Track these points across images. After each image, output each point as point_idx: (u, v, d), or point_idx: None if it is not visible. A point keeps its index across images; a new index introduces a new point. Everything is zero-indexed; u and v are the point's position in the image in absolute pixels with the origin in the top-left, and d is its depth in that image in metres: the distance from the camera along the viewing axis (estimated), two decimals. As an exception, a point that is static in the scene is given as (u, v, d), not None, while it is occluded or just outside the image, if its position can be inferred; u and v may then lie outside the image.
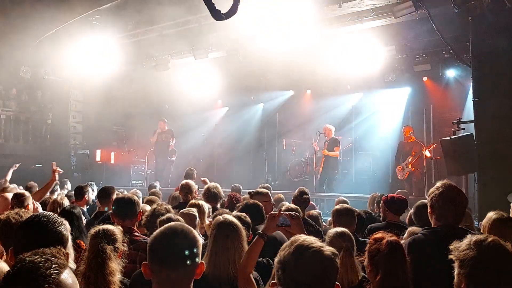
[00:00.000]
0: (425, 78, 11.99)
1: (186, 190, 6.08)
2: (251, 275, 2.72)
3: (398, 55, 10.90)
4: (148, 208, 4.41)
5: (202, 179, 7.56)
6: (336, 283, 1.79)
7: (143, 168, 14.67)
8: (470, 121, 8.22)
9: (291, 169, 13.32)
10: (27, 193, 4.87)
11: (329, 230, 3.41)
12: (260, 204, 4.34)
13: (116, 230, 2.77)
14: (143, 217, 3.95)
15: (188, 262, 1.86)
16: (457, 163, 7.85)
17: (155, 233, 1.96)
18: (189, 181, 6.47)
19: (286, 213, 2.93)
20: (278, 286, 1.73)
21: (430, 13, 8.28)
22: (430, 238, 2.94)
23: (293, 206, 4.80)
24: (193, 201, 4.98)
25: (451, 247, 2.12)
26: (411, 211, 4.52)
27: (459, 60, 9.63)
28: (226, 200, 6.06)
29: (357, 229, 4.46)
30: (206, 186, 5.83)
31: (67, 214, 3.90)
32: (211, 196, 5.65)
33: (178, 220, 3.51)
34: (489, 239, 2.06)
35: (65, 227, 2.33)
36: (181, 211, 4.27)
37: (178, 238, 1.89)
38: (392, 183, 11.58)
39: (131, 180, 14.46)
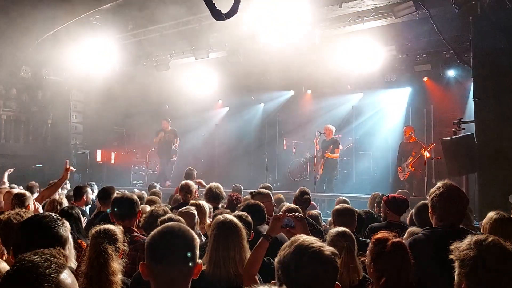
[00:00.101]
0: (425, 78, 11.99)
1: (185, 190, 6.08)
2: (256, 277, 2.72)
3: (398, 55, 10.88)
4: (148, 208, 4.41)
5: (198, 180, 7.54)
6: (337, 283, 1.79)
7: (143, 168, 14.67)
8: (471, 121, 8.22)
9: (292, 169, 13.31)
10: (27, 193, 4.87)
11: (330, 230, 3.41)
12: (262, 204, 4.34)
13: (117, 230, 2.76)
14: (141, 218, 3.95)
15: (185, 261, 1.86)
16: (458, 163, 7.85)
17: (152, 233, 1.96)
18: (189, 181, 6.47)
19: (291, 214, 2.93)
20: (278, 286, 1.73)
21: (431, 13, 8.28)
22: (430, 238, 2.93)
23: (293, 206, 4.80)
24: (194, 201, 4.98)
25: (451, 247, 2.12)
26: (412, 211, 4.52)
27: (460, 60, 9.63)
28: (226, 200, 6.06)
29: (357, 229, 4.45)
30: (208, 186, 5.82)
31: (65, 215, 3.91)
32: (213, 196, 5.65)
33: (179, 220, 3.51)
34: (490, 239, 2.06)
35: (66, 227, 2.33)
36: (179, 210, 4.28)
37: (176, 238, 1.89)
38: (393, 183, 11.58)
39: (131, 180, 14.47)
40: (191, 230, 1.98)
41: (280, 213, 2.98)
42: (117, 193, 4.83)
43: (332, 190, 11.23)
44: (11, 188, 7.89)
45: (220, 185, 5.84)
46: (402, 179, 10.63)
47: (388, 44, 10.41)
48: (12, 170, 9.53)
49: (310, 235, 2.66)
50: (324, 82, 12.51)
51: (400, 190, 7.91)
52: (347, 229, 3.32)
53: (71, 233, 2.89)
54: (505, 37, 7.34)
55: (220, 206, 5.61)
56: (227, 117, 15.87)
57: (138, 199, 4.01)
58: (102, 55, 11.67)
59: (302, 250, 1.75)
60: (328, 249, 1.78)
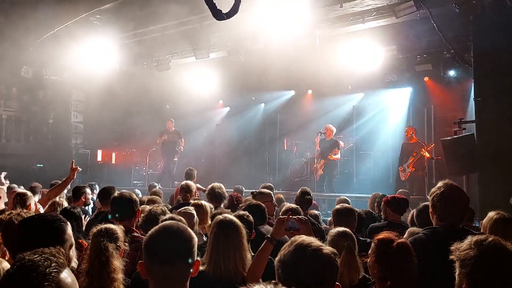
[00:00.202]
0: (426, 78, 11.98)
1: (185, 190, 6.09)
2: (260, 280, 2.72)
3: (399, 55, 10.88)
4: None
5: (197, 185, 7.49)
6: (337, 283, 1.79)
7: (144, 168, 14.68)
8: (471, 121, 8.22)
9: (292, 169, 13.32)
10: (29, 193, 4.88)
11: (331, 230, 3.42)
12: (263, 205, 4.35)
13: (118, 229, 2.77)
14: (139, 218, 3.95)
15: (183, 260, 1.86)
16: (458, 163, 7.85)
17: (150, 232, 1.96)
18: (189, 181, 6.48)
19: (295, 217, 2.94)
20: (279, 286, 1.73)
21: (431, 13, 8.27)
22: (431, 238, 2.93)
23: (293, 206, 4.81)
24: (196, 201, 4.99)
25: (452, 247, 2.12)
26: (414, 213, 4.53)
27: (461, 59, 9.62)
28: (227, 200, 6.06)
29: (357, 229, 4.46)
30: (210, 186, 5.82)
31: (67, 214, 3.91)
32: (215, 196, 5.66)
33: (180, 220, 3.52)
34: (490, 239, 2.06)
35: (67, 227, 2.33)
36: (178, 210, 4.28)
37: (173, 237, 1.90)
38: (393, 183, 11.58)
39: (132, 180, 14.47)
40: (189, 229, 1.98)
41: (284, 216, 2.97)
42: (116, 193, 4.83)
43: (332, 190, 11.23)
44: (11, 188, 7.92)
45: (222, 185, 5.84)
46: (403, 179, 10.63)
47: (388, 44, 10.40)
48: (5, 173, 9.51)
49: (314, 236, 2.68)
50: (325, 82, 12.51)
51: (400, 190, 7.92)
52: (347, 229, 3.33)
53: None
54: (506, 37, 7.34)
55: (222, 206, 5.62)
56: (227, 117, 15.87)
57: (137, 198, 4.01)
58: (102, 55, 11.66)
59: (302, 249, 1.76)
60: (327, 248, 1.79)
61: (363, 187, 11.70)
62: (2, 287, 1.38)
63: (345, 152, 12.64)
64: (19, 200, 4.49)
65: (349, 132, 13.36)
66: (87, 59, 11.91)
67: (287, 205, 5.07)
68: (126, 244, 2.79)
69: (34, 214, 3.14)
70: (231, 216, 3.08)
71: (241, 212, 3.60)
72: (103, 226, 2.70)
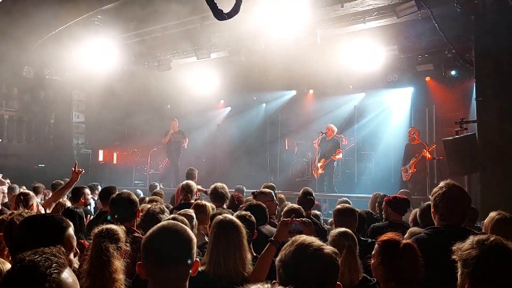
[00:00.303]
0: (427, 78, 11.96)
1: (186, 190, 6.09)
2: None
3: (400, 55, 10.87)
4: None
5: (198, 187, 7.47)
6: (338, 283, 1.79)
7: (145, 168, 14.69)
8: (473, 121, 8.20)
9: (293, 169, 13.32)
10: (31, 193, 4.90)
11: (332, 230, 3.42)
12: (264, 205, 4.35)
13: (119, 229, 2.77)
14: (138, 218, 3.94)
15: (182, 261, 1.86)
16: (460, 163, 7.83)
17: (148, 232, 1.95)
18: (190, 181, 6.48)
19: (299, 219, 2.94)
20: (280, 285, 1.73)
21: (433, 13, 8.26)
22: (433, 238, 2.93)
23: (295, 206, 4.81)
24: (198, 201, 4.99)
25: (454, 247, 2.11)
26: (416, 212, 4.52)
27: (462, 59, 9.61)
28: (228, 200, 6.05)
29: (358, 229, 4.45)
30: (213, 186, 5.81)
31: (69, 214, 3.91)
32: (218, 196, 5.65)
33: (182, 220, 3.52)
34: (492, 239, 2.05)
35: (67, 228, 2.32)
36: (178, 212, 4.28)
37: (172, 237, 1.89)
38: (395, 184, 11.56)
39: (133, 180, 14.48)
40: (188, 229, 1.97)
41: (288, 218, 2.97)
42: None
43: (333, 190, 11.23)
44: (12, 188, 7.93)
45: (225, 185, 5.84)
46: (404, 180, 10.64)
47: (389, 44, 10.39)
48: (1, 175, 9.52)
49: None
50: (326, 82, 12.51)
51: (401, 190, 7.92)
52: (348, 229, 3.32)
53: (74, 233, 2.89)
54: (508, 36, 7.32)
55: (224, 206, 5.62)
56: (229, 117, 15.87)
57: (136, 198, 4.00)
58: (103, 55, 11.67)
59: (303, 249, 1.76)
60: (328, 248, 1.78)
61: (364, 188, 11.70)
62: (3, 287, 1.37)
63: (346, 152, 12.62)
64: (22, 200, 4.50)
65: (351, 132, 13.35)
66: (88, 59, 11.93)
67: (289, 205, 5.07)
68: (128, 244, 2.79)
69: (35, 214, 3.14)
70: (231, 216, 3.08)
71: (243, 212, 3.59)
72: (104, 226, 2.69)
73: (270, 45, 10.33)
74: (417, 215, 4.40)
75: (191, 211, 4.26)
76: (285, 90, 14.45)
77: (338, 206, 4.65)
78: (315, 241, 1.80)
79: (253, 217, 3.58)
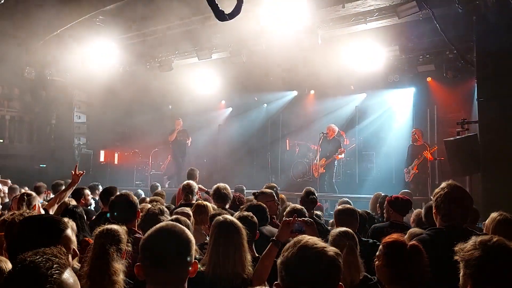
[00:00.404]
0: (429, 79, 11.95)
1: (187, 190, 6.09)
2: (266, 282, 2.72)
3: (401, 56, 10.86)
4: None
5: (198, 186, 7.48)
6: (340, 283, 1.78)
7: (146, 168, 14.69)
8: (474, 122, 8.19)
9: (295, 169, 13.32)
10: (34, 194, 4.91)
11: (332, 231, 3.41)
12: (264, 205, 4.35)
13: (121, 230, 2.76)
14: (138, 219, 3.93)
15: (180, 262, 1.85)
16: (461, 163, 7.83)
17: (147, 233, 1.95)
18: (191, 181, 6.48)
19: (301, 219, 2.93)
20: (282, 287, 1.72)
21: (434, 13, 8.25)
22: (434, 238, 2.92)
23: (298, 206, 4.80)
24: (199, 201, 4.99)
25: (456, 248, 2.11)
26: (423, 212, 4.51)
27: (463, 60, 9.59)
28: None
29: (359, 230, 4.45)
30: (215, 186, 5.81)
31: (70, 214, 3.91)
32: (221, 196, 5.65)
33: (185, 221, 3.52)
34: (494, 239, 2.05)
35: (64, 228, 2.31)
36: (175, 210, 4.27)
37: (170, 238, 1.89)
38: (396, 184, 11.54)
39: (135, 181, 14.49)
40: (186, 230, 1.97)
41: (290, 218, 2.96)
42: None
43: (333, 189, 11.24)
44: (13, 189, 7.95)
45: (227, 186, 5.84)
46: (406, 180, 10.65)
47: (391, 45, 10.38)
48: None
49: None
50: (327, 82, 12.50)
51: (403, 191, 7.90)
52: (349, 229, 3.32)
53: (76, 234, 2.89)
54: (509, 37, 7.31)
55: (227, 206, 5.62)
56: (230, 117, 15.87)
57: (136, 199, 3.99)
58: (105, 55, 11.68)
59: (306, 250, 1.75)
60: (331, 249, 1.77)
61: (365, 188, 11.70)
62: (4, 287, 1.37)
63: (347, 152, 12.60)
64: (25, 200, 4.51)
65: (352, 132, 13.34)
66: (89, 59, 11.94)
67: (292, 205, 5.06)
68: (129, 245, 2.78)
69: (35, 215, 3.14)
70: (230, 217, 3.07)
71: (245, 213, 3.59)
72: (105, 227, 2.69)
73: (271, 45, 10.33)
74: (423, 214, 4.40)
75: (187, 209, 4.26)
76: (286, 90, 14.45)
77: (339, 207, 4.65)
78: (318, 242, 1.79)
79: (255, 218, 3.58)
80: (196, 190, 6.30)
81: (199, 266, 2.80)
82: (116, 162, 15.25)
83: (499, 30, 7.48)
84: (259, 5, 8.62)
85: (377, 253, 2.65)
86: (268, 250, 2.81)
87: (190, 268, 1.88)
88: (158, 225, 1.99)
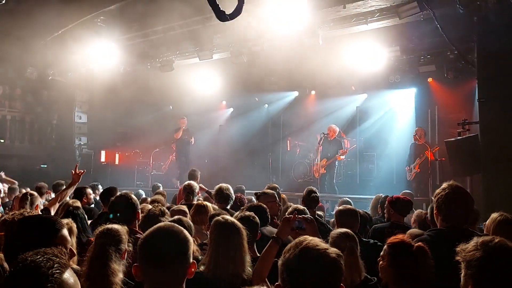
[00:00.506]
0: (429, 79, 11.94)
1: (188, 190, 6.09)
2: (266, 280, 2.71)
3: (402, 56, 10.86)
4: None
5: (199, 185, 7.49)
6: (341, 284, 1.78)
7: (147, 169, 14.70)
8: (475, 122, 8.19)
9: (296, 170, 13.32)
10: (36, 194, 4.92)
11: (333, 231, 3.41)
12: (265, 206, 4.35)
13: (121, 230, 2.75)
14: (139, 218, 3.93)
15: (179, 262, 1.85)
16: (462, 164, 7.82)
17: (145, 234, 1.95)
18: (192, 182, 6.48)
19: (301, 216, 2.92)
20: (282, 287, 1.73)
21: (435, 14, 8.25)
22: (435, 239, 2.92)
23: (300, 207, 4.79)
24: (199, 202, 4.99)
25: (457, 248, 2.10)
26: (428, 212, 4.50)
27: (464, 60, 9.59)
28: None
29: (360, 230, 4.44)
30: (218, 187, 5.81)
31: (71, 215, 3.91)
32: (223, 197, 5.65)
33: (187, 222, 3.52)
34: (496, 240, 2.04)
35: (60, 228, 2.31)
36: (172, 208, 4.28)
37: (168, 238, 1.88)
38: (397, 185, 11.54)
39: (135, 181, 14.49)
40: (184, 230, 1.97)
41: (290, 215, 2.95)
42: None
43: (333, 190, 11.23)
44: (11, 188, 7.96)
45: (230, 187, 5.84)
46: (408, 179, 10.65)
47: (392, 45, 10.38)
48: (3, 173, 9.55)
49: (320, 237, 2.66)
50: (328, 83, 12.50)
51: (404, 191, 7.90)
52: (349, 230, 3.32)
53: (77, 236, 2.88)
54: (510, 38, 7.31)
55: (228, 207, 5.62)
56: (231, 118, 15.87)
57: (136, 199, 3.99)
58: (106, 56, 11.68)
59: (308, 252, 1.74)
60: (333, 251, 1.77)
61: (366, 189, 11.69)
62: (4, 287, 1.37)
63: (348, 153, 12.61)
64: (28, 199, 4.52)
65: (353, 133, 13.34)
66: (91, 60, 11.95)
67: (293, 205, 5.06)
68: (130, 245, 2.78)
69: (32, 215, 3.14)
70: (230, 218, 3.07)
71: (247, 213, 3.59)
72: (106, 227, 2.69)
73: (272, 46, 10.33)
74: (428, 215, 4.39)
75: (183, 207, 4.26)
76: (287, 91, 14.44)
77: (340, 208, 4.64)
78: (319, 243, 1.78)
79: (257, 218, 3.58)
80: (197, 191, 6.30)
81: (199, 266, 2.80)
82: (117, 162, 15.26)
83: (500, 31, 7.47)
84: (260, 5, 8.62)
85: (382, 253, 2.65)
86: (268, 247, 2.80)
87: (188, 269, 1.88)
88: (156, 225, 1.99)
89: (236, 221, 3.02)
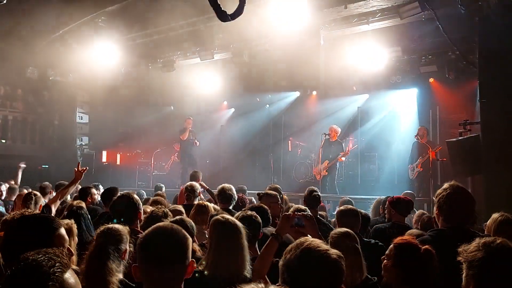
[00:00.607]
0: (431, 79, 11.93)
1: (189, 191, 6.10)
2: (266, 277, 2.71)
3: (403, 56, 10.85)
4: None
5: (200, 183, 7.50)
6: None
7: (148, 169, 14.70)
8: (476, 123, 8.18)
9: (297, 170, 13.31)
10: (39, 194, 4.93)
11: (333, 231, 3.41)
12: (266, 207, 4.35)
13: (122, 230, 2.75)
14: (141, 218, 3.93)
15: (177, 262, 1.85)
16: (464, 164, 7.81)
17: (144, 233, 1.95)
18: (193, 182, 6.49)
19: (300, 213, 2.91)
20: (269, 286, 1.72)
21: (437, 14, 8.24)
22: (437, 239, 2.92)
23: (302, 206, 4.79)
24: (200, 202, 4.99)
25: (459, 249, 2.10)
26: (433, 212, 4.49)
27: (466, 61, 9.58)
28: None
29: (361, 230, 4.44)
30: (220, 187, 5.81)
31: (74, 215, 3.91)
32: (226, 197, 5.65)
33: (189, 222, 3.52)
34: (498, 241, 2.05)
35: (57, 227, 2.30)
36: (169, 207, 4.28)
37: (167, 238, 1.88)
38: (398, 185, 11.53)
39: (137, 181, 14.49)
40: (183, 230, 1.97)
41: (290, 213, 2.95)
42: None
43: (334, 190, 11.22)
44: (11, 189, 7.97)
45: (232, 187, 5.84)
46: (411, 178, 10.65)
47: (393, 45, 10.37)
48: (23, 165, 9.60)
49: (320, 234, 2.65)
50: (330, 83, 12.47)
51: (405, 192, 7.89)
52: (349, 230, 3.31)
53: (78, 236, 2.88)
54: (511, 38, 7.30)
55: (231, 207, 5.62)
56: (232, 118, 15.86)
57: (138, 199, 3.99)
58: (107, 56, 11.70)
59: (309, 253, 1.74)
60: (334, 252, 1.77)
61: (367, 189, 11.68)
62: (6, 286, 1.38)
63: (349, 153, 12.59)
64: (33, 199, 4.53)
65: (354, 133, 13.33)
66: (92, 60, 11.95)
67: (295, 206, 5.06)
68: (131, 245, 2.78)
69: (29, 214, 3.14)
70: (231, 217, 3.07)
71: (249, 213, 3.59)
72: (106, 226, 2.69)
73: (274, 46, 10.33)
74: (433, 215, 4.38)
75: (180, 207, 4.27)
76: (289, 91, 14.43)
77: (341, 208, 4.64)
78: (320, 245, 1.78)
79: (259, 218, 3.57)
80: (198, 191, 6.30)
81: (199, 265, 2.80)
82: (118, 162, 15.27)
83: (502, 31, 7.46)
84: (262, 5, 8.63)
85: (387, 252, 2.64)
86: (268, 244, 2.79)
87: (187, 268, 1.88)
88: (155, 225, 1.99)
89: (235, 220, 3.02)
